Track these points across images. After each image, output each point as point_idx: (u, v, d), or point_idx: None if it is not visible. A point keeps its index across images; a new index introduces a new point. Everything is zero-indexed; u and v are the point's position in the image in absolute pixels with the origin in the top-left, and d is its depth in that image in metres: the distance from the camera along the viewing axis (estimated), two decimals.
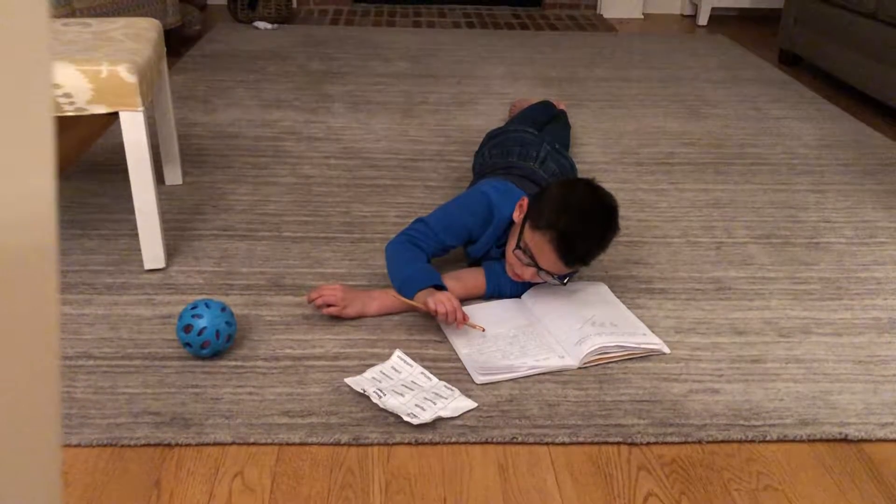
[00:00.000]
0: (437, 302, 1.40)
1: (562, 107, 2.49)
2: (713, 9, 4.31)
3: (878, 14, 2.81)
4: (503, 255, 1.57)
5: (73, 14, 2.62)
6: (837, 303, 1.63)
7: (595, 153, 2.37)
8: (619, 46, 3.69)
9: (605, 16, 4.38)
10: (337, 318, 1.50)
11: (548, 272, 1.46)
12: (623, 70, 3.29)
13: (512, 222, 1.54)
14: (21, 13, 0.35)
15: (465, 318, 1.43)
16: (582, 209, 1.43)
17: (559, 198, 1.45)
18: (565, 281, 1.51)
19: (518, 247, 1.48)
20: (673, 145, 2.46)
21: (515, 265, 1.50)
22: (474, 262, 1.65)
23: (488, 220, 1.56)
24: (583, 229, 1.42)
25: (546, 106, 2.38)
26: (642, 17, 4.42)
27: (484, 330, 1.45)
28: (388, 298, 1.51)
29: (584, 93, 2.95)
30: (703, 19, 4.30)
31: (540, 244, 1.43)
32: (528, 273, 1.48)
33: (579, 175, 1.91)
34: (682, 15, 4.53)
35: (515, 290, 1.58)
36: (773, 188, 2.18)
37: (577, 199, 1.44)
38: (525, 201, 1.52)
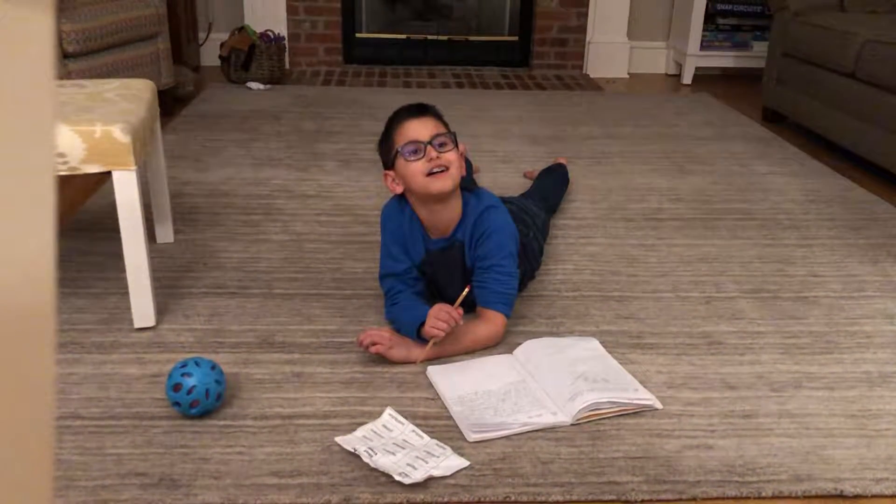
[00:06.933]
0: (433, 327, 1.49)
1: (560, 161, 2.57)
2: (697, 68, 4.41)
3: (857, 73, 2.89)
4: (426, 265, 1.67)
5: (68, 76, 2.66)
6: (828, 356, 1.64)
7: (584, 209, 2.40)
8: (605, 105, 3.76)
9: (592, 75, 4.47)
10: (328, 377, 1.50)
11: (428, 144, 1.55)
12: (610, 128, 3.35)
13: (402, 197, 1.66)
14: (27, 77, 0.36)
15: (459, 314, 1.51)
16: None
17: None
18: (448, 149, 1.57)
19: (393, 167, 1.59)
20: (661, 201, 2.49)
21: (414, 170, 1.56)
22: (435, 282, 1.71)
23: (389, 227, 1.68)
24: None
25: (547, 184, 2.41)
26: (628, 76, 4.52)
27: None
28: (427, 350, 1.55)
29: (571, 150, 2.99)
30: (687, 78, 4.39)
31: (396, 138, 1.57)
32: (423, 166, 1.55)
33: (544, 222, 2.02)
34: (667, 74, 4.63)
35: (452, 283, 1.64)
36: (761, 243, 2.20)
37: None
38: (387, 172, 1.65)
